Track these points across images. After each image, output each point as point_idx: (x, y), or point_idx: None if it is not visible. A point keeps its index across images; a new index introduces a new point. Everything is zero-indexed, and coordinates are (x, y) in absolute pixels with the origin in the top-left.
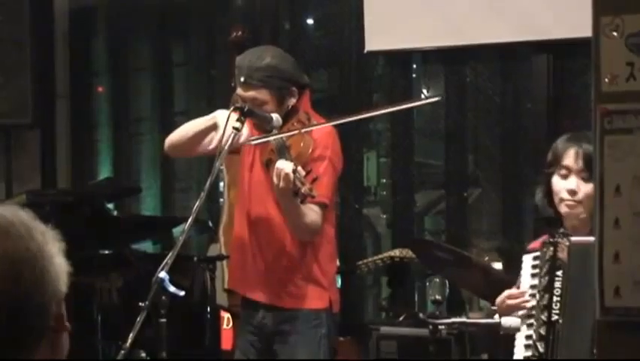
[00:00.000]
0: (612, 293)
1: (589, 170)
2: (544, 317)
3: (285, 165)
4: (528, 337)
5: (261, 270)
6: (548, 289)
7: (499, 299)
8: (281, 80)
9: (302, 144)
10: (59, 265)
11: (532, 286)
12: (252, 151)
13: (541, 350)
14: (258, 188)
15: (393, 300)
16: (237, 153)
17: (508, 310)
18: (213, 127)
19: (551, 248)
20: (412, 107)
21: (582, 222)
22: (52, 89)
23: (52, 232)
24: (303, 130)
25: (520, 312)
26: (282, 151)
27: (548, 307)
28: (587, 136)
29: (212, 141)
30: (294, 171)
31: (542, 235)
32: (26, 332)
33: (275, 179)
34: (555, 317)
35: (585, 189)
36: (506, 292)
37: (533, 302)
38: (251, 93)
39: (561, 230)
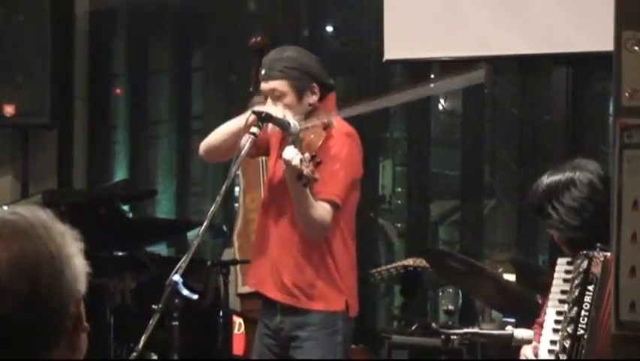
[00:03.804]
0: (627, 308)
1: (542, 218)
2: (569, 330)
3: (289, 152)
4: (553, 342)
5: (278, 266)
6: (577, 302)
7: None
8: (301, 73)
9: (312, 135)
10: (78, 265)
11: (563, 292)
12: (277, 145)
13: None
14: (278, 183)
15: (406, 309)
16: (259, 156)
17: None
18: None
19: (586, 261)
20: (454, 88)
21: (569, 252)
22: (71, 90)
23: (72, 232)
24: (318, 121)
25: None
26: (296, 144)
27: (575, 321)
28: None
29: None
30: (301, 160)
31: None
32: (44, 333)
33: (284, 166)
34: (581, 331)
35: (551, 231)
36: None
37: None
38: (271, 84)
39: (598, 244)
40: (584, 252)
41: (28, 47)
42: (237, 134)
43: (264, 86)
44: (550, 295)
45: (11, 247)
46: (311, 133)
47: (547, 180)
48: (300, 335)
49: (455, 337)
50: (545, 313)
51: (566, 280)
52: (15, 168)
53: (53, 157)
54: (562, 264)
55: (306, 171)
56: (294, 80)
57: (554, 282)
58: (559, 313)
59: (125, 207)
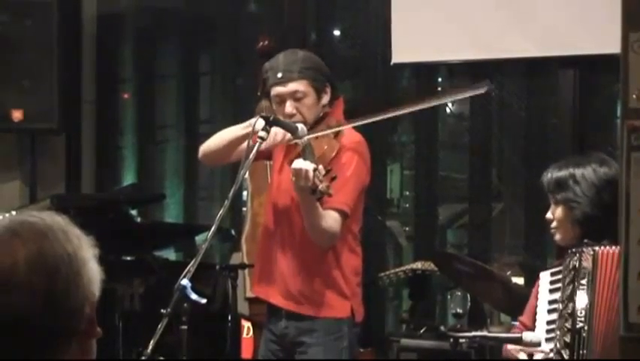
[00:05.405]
0: (636, 310)
1: (557, 193)
2: (568, 325)
3: (303, 164)
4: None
5: (283, 273)
6: (572, 298)
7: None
8: (317, 73)
9: (326, 147)
10: (93, 269)
11: (551, 302)
12: (281, 153)
13: (566, 357)
14: (284, 191)
15: (415, 312)
16: (262, 160)
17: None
18: (249, 135)
19: (575, 257)
20: (457, 99)
21: (563, 241)
22: (79, 94)
23: (87, 237)
24: (329, 131)
25: None
26: (307, 153)
27: (572, 315)
28: (571, 162)
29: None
30: (314, 170)
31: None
32: (58, 332)
33: (293, 178)
34: (580, 325)
35: (556, 212)
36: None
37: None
38: (291, 86)
39: (585, 240)
40: (573, 250)
41: (36, 51)
42: (235, 142)
43: (281, 90)
44: (538, 309)
45: (30, 246)
46: (324, 144)
47: (574, 160)
48: (305, 341)
49: (464, 340)
50: (527, 328)
51: (551, 291)
52: (23, 172)
53: (61, 162)
54: (545, 277)
55: (321, 186)
56: (313, 80)
57: (540, 296)
58: (549, 322)
59: (133, 212)
